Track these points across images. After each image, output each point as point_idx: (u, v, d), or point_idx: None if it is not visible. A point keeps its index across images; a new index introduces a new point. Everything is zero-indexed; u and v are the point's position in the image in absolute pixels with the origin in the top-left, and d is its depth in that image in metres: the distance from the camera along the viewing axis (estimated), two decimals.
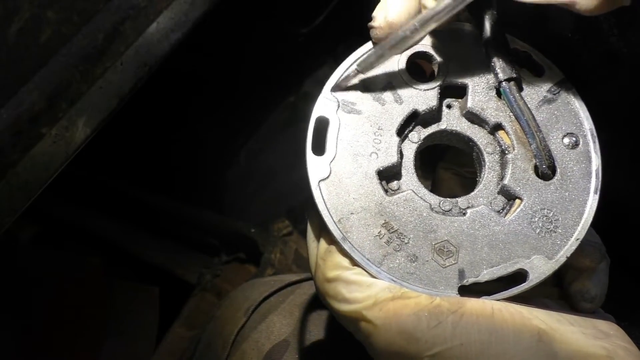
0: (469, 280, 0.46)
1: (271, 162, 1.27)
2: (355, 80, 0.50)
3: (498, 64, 0.51)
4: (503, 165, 0.51)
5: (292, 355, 0.68)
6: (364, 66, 0.50)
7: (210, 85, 1.27)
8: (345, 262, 0.47)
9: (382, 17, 0.49)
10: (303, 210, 0.53)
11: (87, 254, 1.13)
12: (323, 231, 0.49)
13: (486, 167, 0.51)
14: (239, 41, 1.25)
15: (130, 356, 1.05)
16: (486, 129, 0.52)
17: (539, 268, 0.47)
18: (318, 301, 0.71)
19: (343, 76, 0.51)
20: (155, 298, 1.10)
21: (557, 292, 0.51)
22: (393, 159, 0.49)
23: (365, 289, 0.45)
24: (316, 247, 0.49)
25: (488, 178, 0.51)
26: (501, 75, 0.50)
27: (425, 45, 0.52)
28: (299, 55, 1.25)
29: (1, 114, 0.47)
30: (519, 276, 0.47)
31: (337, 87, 0.50)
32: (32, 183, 0.50)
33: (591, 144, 0.51)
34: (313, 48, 1.25)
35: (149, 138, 1.23)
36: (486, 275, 0.47)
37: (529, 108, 0.50)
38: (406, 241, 0.47)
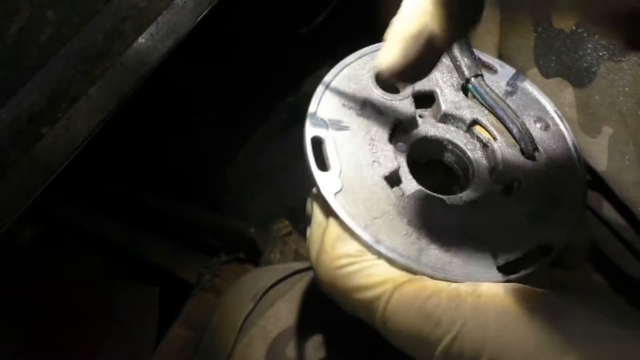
0: (504, 258, 0.47)
1: (271, 162, 1.27)
2: None
3: (463, 63, 0.54)
4: (489, 157, 0.53)
5: (299, 342, 0.68)
6: None
7: (210, 85, 1.27)
8: (353, 248, 0.47)
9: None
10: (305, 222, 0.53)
11: (87, 254, 1.12)
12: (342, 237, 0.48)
13: (473, 163, 0.53)
14: (238, 41, 1.25)
15: (130, 356, 1.05)
16: (462, 129, 0.54)
17: (558, 237, 0.49)
18: None
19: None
20: (155, 298, 1.10)
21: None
22: (394, 164, 0.50)
23: (381, 273, 0.46)
24: (321, 233, 0.49)
25: (478, 172, 0.52)
26: (468, 73, 0.54)
27: None
28: (298, 55, 1.25)
29: (1, 114, 0.47)
30: (544, 248, 0.49)
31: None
32: (32, 183, 0.50)
33: (560, 124, 0.55)
34: (313, 48, 1.25)
35: (148, 138, 1.23)
36: (515, 252, 0.48)
37: (501, 98, 0.54)
38: (432, 234, 0.48)
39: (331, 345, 0.68)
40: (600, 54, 0.70)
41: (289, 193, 1.22)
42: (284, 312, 0.72)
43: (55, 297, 1.03)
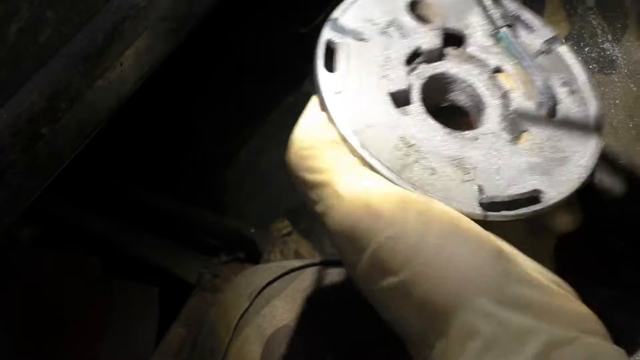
0: (489, 195, 0.45)
1: (271, 162, 1.27)
2: None
3: (495, 12, 0.54)
4: (505, 105, 0.52)
5: (294, 340, 0.68)
6: None
7: (210, 85, 1.27)
8: (329, 136, 0.46)
9: None
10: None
11: (87, 254, 1.12)
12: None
13: (487, 108, 0.52)
14: (238, 41, 1.25)
15: (130, 356, 1.05)
16: (485, 74, 0.53)
17: (552, 192, 0.47)
18: (321, 287, 0.72)
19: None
20: (154, 298, 1.10)
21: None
22: (404, 85, 0.50)
23: (344, 161, 0.45)
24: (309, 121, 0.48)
25: (491, 118, 0.51)
26: (499, 22, 0.54)
27: None
28: (298, 55, 1.25)
29: (1, 114, 0.47)
30: (533, 199, 0.47)
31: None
32: (32, 183, 0.50)
33: (588, 92, 0.53)
34: (313, 48, 1.25)
35: (148, 138, 1.23)
36: (504, 193, 0.46)
37: (529, 52, 0.53)
38: (423, 155, 0.47)
39: (327, 343, 0.68)
40: (591, 66, 0.70)
41: (289, 193, 1.22)
42: (279, 310, 0.72)
43: (55, 297, 1.03)
